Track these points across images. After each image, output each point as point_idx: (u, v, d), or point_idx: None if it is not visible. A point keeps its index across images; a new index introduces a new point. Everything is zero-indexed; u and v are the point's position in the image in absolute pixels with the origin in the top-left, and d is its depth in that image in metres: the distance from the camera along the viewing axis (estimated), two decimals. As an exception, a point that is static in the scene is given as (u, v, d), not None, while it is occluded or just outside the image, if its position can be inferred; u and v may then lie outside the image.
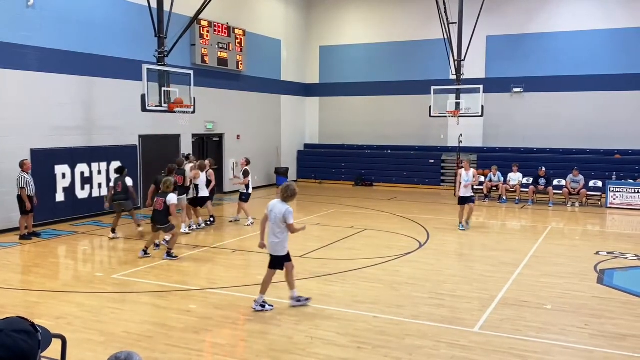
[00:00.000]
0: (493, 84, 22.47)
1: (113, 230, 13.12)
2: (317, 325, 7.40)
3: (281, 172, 24.21)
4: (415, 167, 23.88)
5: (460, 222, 14.43)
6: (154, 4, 14.55)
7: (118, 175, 13.31)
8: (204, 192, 14.27)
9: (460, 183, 14.33)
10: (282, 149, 25.28)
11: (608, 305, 8.32)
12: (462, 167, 14.72)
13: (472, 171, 14.44)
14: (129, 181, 13.24)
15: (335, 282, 9.58)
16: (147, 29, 14.77)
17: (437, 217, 16.42)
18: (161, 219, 11.06)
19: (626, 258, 11.40)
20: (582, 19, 21.80)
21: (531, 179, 19.86)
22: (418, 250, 12.01)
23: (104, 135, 16.17)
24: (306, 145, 26.81)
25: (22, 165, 12.72)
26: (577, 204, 18.70)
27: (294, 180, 25.53)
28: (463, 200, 14.40)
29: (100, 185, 16.06)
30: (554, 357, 6.55)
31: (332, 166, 25.22)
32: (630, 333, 7.21)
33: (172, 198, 11.04)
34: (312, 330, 7.24)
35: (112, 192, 13.18)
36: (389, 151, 24.84)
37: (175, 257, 11.03)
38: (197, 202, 14.28)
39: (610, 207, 18.22)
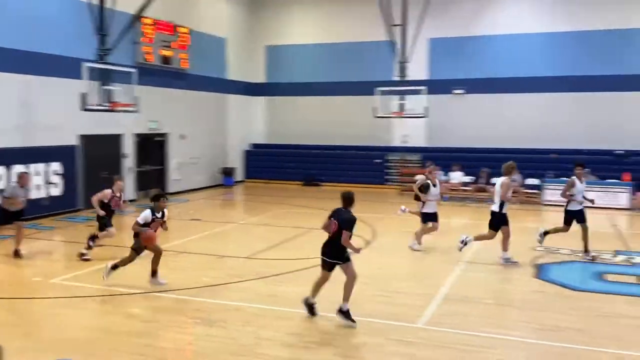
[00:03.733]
0: (437, 86, 22.94)
1: None
2: (264, 326, 7.40)
3: (228, 173, 24.02)
4: (361, 167, 24.16)
5: (587, 250, 11.25)
6: (95, 0, 14.18)
7: None
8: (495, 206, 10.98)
9: (592, 200, 11.58)
10: (229, 148, 25.05)
11: (545, 299, 8.68)
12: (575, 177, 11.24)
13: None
14: None
15: (283, 282, 9.59)
16: (88, 26, 14.37)
17: (384, 215, 16.65)
18: None
19: (560, 253, 11.94)
20: (521, 23, 22.53)
21: (474, 178, 20.59)
22: (365, 248, 12.15)
23: (42, 135, 15.58)
24: (254, 145, 26.66)
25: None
26: (516, 202, 19.36)
27: (241, 181, 25.39)
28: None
29: (38, 187, 15.49)
30: (497, 351, 6.77)
31: (280, 166, 25.18)
32: (565, 325, 7.54)
33: None
34: (259, 330, 7.23)
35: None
36: (337, 151, 25.00)
37: None
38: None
39: (546, 204, 18.99)
